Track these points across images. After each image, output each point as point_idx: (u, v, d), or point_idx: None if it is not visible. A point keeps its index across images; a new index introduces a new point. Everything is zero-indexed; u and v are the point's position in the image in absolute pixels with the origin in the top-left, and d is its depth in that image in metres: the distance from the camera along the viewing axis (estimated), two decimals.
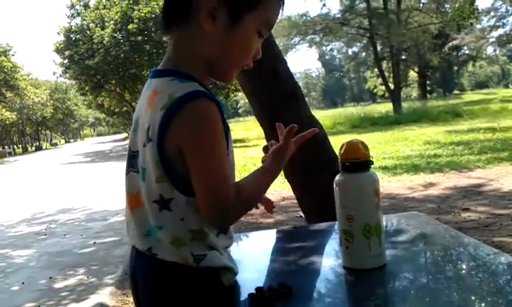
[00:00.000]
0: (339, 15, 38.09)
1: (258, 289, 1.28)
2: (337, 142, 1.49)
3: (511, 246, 4.56)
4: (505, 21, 45.02)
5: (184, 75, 1.19)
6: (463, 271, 1.43)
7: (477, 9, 19.21)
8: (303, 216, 4.52)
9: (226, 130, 1.21)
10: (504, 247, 4.53)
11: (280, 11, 1.28)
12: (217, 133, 1.15)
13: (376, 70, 42.18)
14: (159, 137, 1.15)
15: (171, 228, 1.21)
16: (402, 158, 11.31)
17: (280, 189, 8.95)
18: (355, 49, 46.61)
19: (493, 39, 48.56)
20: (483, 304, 1.19)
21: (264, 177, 1.31)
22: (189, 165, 1.15)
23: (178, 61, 1.23)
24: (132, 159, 1.28)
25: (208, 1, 1.17)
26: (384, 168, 10.10)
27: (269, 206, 1.65)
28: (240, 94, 36.66)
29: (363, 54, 46.81)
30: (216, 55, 1.22)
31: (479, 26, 41.48)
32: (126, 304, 4.33)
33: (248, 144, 19.42)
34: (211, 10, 1.18)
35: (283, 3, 1.28)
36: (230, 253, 1.35)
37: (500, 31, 50.75)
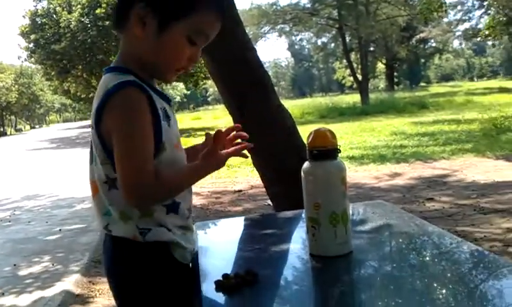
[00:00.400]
0: (309, 5, 38.15)
1: (224, 276, 1.29)
2: (306, 132, 1.50)
3: (473, 235, 4.67)
4: (471, 15, 45.75)
5: (124, 70, 1.31)
6: (427, 259, 1.46)
7: (445, 3, 19.45)
8: (271, 204, 4.54)
9: (159, 117, 1.29)
10: (467, 237, 4.63)
11: (217, 23, 1.36)
12: (139, 117, 1.24)
13: (345, 61, 42.45)
14: (95, 123, 1.28)
15: (120, 205, 1.32)
16: (369, 149, 11.44)
17: (249, 178, 8.97)
18: (324, 40, 46.73)
19: (459, 33, 49.36)
20: (446, 291, 1.22)
21: (189, 173, 1.36)
22: (114, 145, 1.25)
23: (123, 58, 1.36)
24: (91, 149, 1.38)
25: (139, 9, 1.29)
26: (352, 158, 10.20)
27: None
28: (210, 82, 36.46)
29: (332, 44, 47.03)
30: (149, 58, 1.33)
31: (445, 20, 42.09)
32: (92, 291, 4.28)
33: None
34: (141, 17, 1.29)
35: (221, 16, 1.36)
36: (187, 233, 1.42)
37: (466, 25, 51.73)
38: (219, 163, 1.35)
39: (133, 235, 1.33)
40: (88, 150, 1.41)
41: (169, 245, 1.35)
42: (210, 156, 1.33)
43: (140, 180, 1.23)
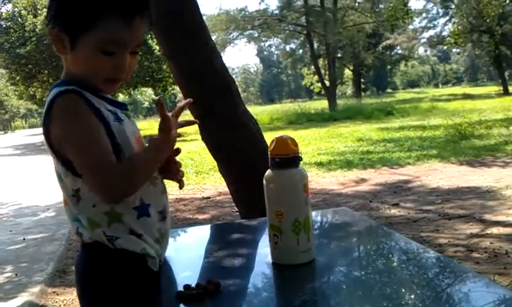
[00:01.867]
0: (277, 12, 38.36)
1: (185, 286, 1.27)
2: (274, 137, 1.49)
3: (438, 241, 4.74)
4: (436, 23, 46.76)
5: (65, 82, 1.32)
6: (391, 266, 1.48)
7: (410, 10, 19.78)
8: (238, 211, 4.53)
9: (105, 119, 1.29)
10: (431, 242, 4.70)
11: (127, 29, 1.30)
12: (82, 117, 1.24)
13: (313, 67, 42.75)
14: (45, 138, 1.28)
15: (87, 213, 1.31)
16: (337, 154, 11.53)
17: (217, 184, 8.94)
18: (292, 46, 47.07)
19: (424, 40, 50.32)
20: (411, 298, 1.23)
21: (147, 151, 1.34)
22: (68, 152, 1.25)
23: (64, 76, 1.36)
24: None
25: (53, 31, 1.32)
26: (319, 164, 10.27)
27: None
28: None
29: (300, 51, 47.35)
30: (76, 72, 1.33)
31: (411, 27, 42.87)
32: (56, 302, 4.20)
33: (185, 138, 19.23)
34: (56, 37, 1.31)
35: (130, 19, 1.29)
36: (160, 239, 1.39)
37: (431, 32, 52.72)
38: (168, 138, 1.33)
39: (101, 240, 1.31)
40: None
41: (140, 254, 1.33)
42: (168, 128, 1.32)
43: (105, 173, 1.21)
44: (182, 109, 1.51)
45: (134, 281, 1.33)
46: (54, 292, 4.43)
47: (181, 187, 1.51)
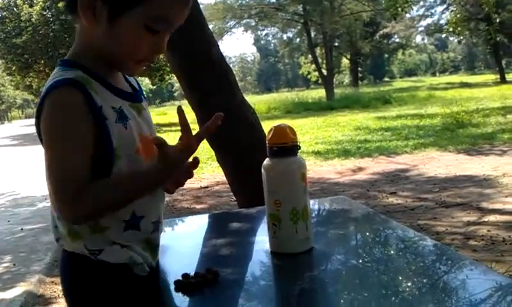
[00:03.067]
0: (274, 0, 38.22)
1: (184, 275, 1.27)
2: (272, 126, 1.49)
3: (435, 229, 4.75)
4: (433, 11, 46.68)
5: (70, 63, 1.18)
6: (389, 254, 1.48)
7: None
8: (236, 200, 4.53)
9: (104, 120, 1.13)
10: (428, 230, 4.72)
11: (179, 5, 1.18)
12: (69, 122, 1.10)
13: (310, 56, 42.65)
14: (37, 129, 1.15)
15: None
16: (334, 143, 11.53)
17: (215, 173, 8.94)
18: (290, 35, 46.94)
19: (422, 29, 50.26)
20: (409, 285, 1.23)
21: (136, 180, 1.17)
22: (44, 152, 1.12)
23: (76, 50, 1.21)
24: None
25: None
26: (317, 153, 10.27)
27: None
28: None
29: (298, 39, 47.21)
30: (106, 48, 1.17)
31: (408, 15, 42.72)
32: (54, 292, 4.21)
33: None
34: (89, 5, 1.12)
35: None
36: (150, 248, 1.28)
37: (429, 21, 52.55)
38: (179, 164, 1.20)
39: (83, 252, 1.19)
40: None
41: (125, 264, 1.22)
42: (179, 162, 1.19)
43: (63, 193, 1.08)
44: (207, 129, 1.29)
45: (119, 291, 1.22)
46: (52, 282, 4.44)
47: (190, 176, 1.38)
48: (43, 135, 1.12)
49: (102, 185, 1.12)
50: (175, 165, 1.19)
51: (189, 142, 1.19)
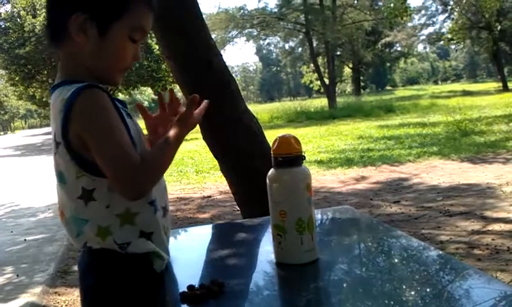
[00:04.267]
0: (276, 10, 38.34)
1: (189, 287, 1.27)
2: (275, 136, 1.49)
3: (439, 238, 4.74)
4: (435, 19, 46.75)
5: (71, 81, 1.28)
6: (394, 265, 1.47)
7: (409, 7, 19.76)
8: (240, 210, 4.52)
9: (122, 114, 1.29)
10: (432, 239, 4.70)
11: (151, 14, 1.36)
12: (108, 113, 1.23)
13: (312, 65, 42.72)
14: (63, 137, 1.24)
15: (98, 218, 1.29)
16: (337, 152, 11.52)
17: (218, 183, 8.94)
18: (292, 44, 47.07)
19: (424, 37, 50.37)
20: (414, 295, 1.22)
21: (166, 144, 1.32)
22: (91, 148, 1.22)
23: (67, 72, 1.33)
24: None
25: (77, 18, 1.27)
26: (320, 162, 10.27)
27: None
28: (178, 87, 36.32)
29: (300, 49, 47.34)
30: (96, 64, 1.32)
31: (410, 24, 42.85)
32: (58, 302, 4.20)
33: (185, 138, 19.29)
34: (80, 26, 1.27)
35: (153, 8, 1.36)
36: (164, 235, 1.39)
37: (430, 29, 52.69)
38: (195, 124, 1.41)
39: (112, 247, 1.30)
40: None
41: (149, 255, 1.33)
42: (188, 118, 1.37)
43: (129, 171, 1.20)
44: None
45: (140, 283, 1.32)
46: (56, 292, 4.43)
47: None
48: (87, 133, 1.22)
49: (150, 151, 1.34)
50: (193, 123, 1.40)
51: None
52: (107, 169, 1.22)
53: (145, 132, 1.49)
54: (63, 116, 1.22)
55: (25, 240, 6.45)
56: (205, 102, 1.48)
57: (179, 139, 1.34)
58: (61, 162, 1.28)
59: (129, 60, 1.36)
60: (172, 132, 1.34)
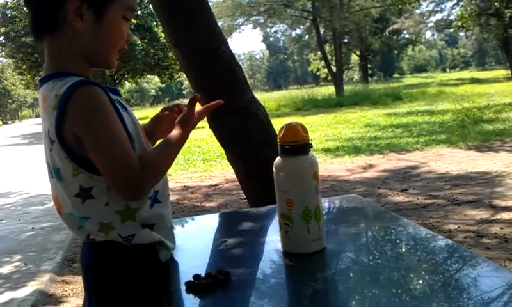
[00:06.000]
0: None
1: (195, 276, 1.26)
2: (282, 125, 1.48)
3: (447, 226, 4.71)
4: (443, 6, 46.31)
5: (62, 74, 1.27)
6: (401, 254, 1.46)
7: None
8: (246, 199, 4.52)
9: (118, 109, 1.28)
10: (440, 227, 4.68)
11: None
12: (106, 112, 1.21)
13: (319, 53, 42.50)
14: (57, 134, 1.21)
15: (98, 216, 1.28)
16: (344, 140, 11.49)
17: (224, 171, 8.94)
18: (299, 32, 46.75)
19: (432, 24, 49.93)
20: (421, 284, 1.21)
21: (172, 143, 1.34)
22: (87, 147, 1.20)
23: (56, 63, 1.31)
24: (49, 166, 1.33)
25: (72, 3, 1.26)
26: (327, 150, 10.24)
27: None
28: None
29: (307, 36, 47.04)
30: (93, 47, 1.31)
31: (418, 11, 42.46)
32: (66, 291, 4.22)
33: None
34: (76, 10, 1.27)
35: None
36: (168, 226, 1.41)
37: (438, 16, 52.18)
38: (195, 124, 1.42)
39: (117, 240, 1.29)
40: None
41: (154, 245, 1.33)
42: (189, 119, 1.39)
43: (129, 172, 1.20)
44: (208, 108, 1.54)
45: (146, 273, 1.32)
46: (63, 281, 4.45)
47: None
48: (84, 133, 1.20)
49: (150, 152, 1.33)
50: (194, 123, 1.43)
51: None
52: (105, 170, 1.21)
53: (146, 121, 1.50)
54: (58, 114, 1.20)
55: (33, 228, 6.49)
56: (213, 103, 1.50)
57: (180, 140, 1.36)
58: (57, 159, 1.26)
59: (124, 39, 1.37)
60: (173, 133, 1.35)
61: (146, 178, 1.24)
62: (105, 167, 1.21)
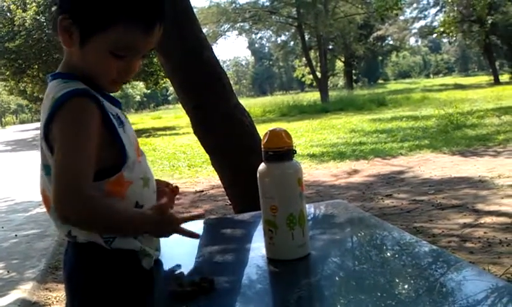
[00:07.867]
0: (268, 4, 38.23)
1: (179, 284, 1.25)
2: (267, 130, 1.47)
3: (431, 231, 4.74)
4: (426, 13, 46.79)
5: (68, 76, 1.27)
6: (386, 259, 1.46)
7: (400, 0, 19.78)
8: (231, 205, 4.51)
9: (114, 125, 1.25)
10: (424, 232, 4.71)
11: (144, 37, 1.27)
12: (83, 132, 1.20)
13: (304, 59, 42.67)
14: (44, 133, 1.24)
15: None
16: (329, 146, 11.52)
17: (210, 177, 8.91)
18: (284, 38, 46.92)
19: (415, 31, 50.43)
20: (406, 288, 1.21)
21: (130, 217, 1.28)
22: (55, 151, 1.20)
23: (66, 64, 1.31)
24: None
25: (63, 19, 1.25)
26: (312, 156, 10.26)
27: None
28: None
29: (292, 43, 47.23)
30: (83, 67, 1.28)
31: (401, 17, 42.86)
32: (49, 298, 4.17)
33: (178, 132, 19.21)
34: (66, 28, 1.25)
35: (150, 28, 1.28)
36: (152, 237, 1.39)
37: (422, 23, 52.75)
38: (171, 223, 1.38)
39: (97, 241, 1.28)
40: None
41: (136, 252, 1.32)
42: (164, 212, 1.34)
43: (66, 196, 1.16)
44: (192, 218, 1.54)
45: (129, 281, 1.31)
46: (47, 289, 4.40)
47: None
48: (56, 141, 1.20)
49: (106, 203, 1.23)
50: (167, 225, 1.36)
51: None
52: (53, 179, 1.18)
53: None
54: (48, 115, 1.22)
55: (16, 235, 6.41)
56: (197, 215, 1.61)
57: (136, 228, 1.29)
58: (45, 155, 1.28)
59: (114, 74, 1.29)
60: (134, 214, 1.30)
61: (76, 211, 1.17)
62: (53, 177, 1.18)
